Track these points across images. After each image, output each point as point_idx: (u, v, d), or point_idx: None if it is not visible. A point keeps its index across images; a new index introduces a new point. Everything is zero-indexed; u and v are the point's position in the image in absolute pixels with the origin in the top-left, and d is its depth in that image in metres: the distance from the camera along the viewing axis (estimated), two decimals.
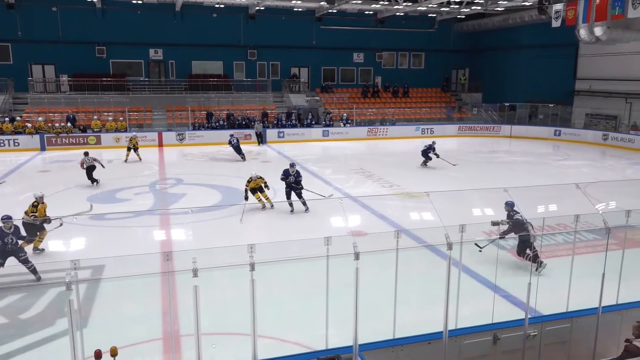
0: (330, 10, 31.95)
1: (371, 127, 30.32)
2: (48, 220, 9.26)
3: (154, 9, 30.11)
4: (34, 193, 10.36)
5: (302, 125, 29.59)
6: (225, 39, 31.71)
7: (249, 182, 13.26)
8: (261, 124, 27.74)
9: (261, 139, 27.06)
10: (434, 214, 6.73)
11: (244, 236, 10.65)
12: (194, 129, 27.35)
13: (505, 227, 8.92)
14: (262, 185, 13.33)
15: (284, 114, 30.19)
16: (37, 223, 9.31)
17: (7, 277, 8.22)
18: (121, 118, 26.93)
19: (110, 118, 26.90)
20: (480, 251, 8.66)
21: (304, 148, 26.39)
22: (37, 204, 9.97)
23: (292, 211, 13.14)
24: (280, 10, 31.71)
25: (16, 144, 24.03)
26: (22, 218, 9.31)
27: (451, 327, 5.99)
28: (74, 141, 25.07)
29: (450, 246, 5.79)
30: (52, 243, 9.20)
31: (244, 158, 21.84)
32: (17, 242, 8.27)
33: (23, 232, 8.70)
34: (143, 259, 8.86)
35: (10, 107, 27.36)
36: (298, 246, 8.23)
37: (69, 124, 25.79)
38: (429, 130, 30.95)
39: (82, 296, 7.24)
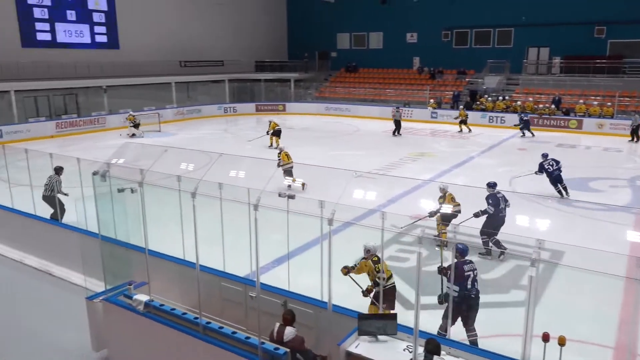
0: None
1: None
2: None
3: None
4: (440, 185, 9.72)
5: None
6: None
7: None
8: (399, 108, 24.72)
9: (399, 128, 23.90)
10: None
11: None
12: None
13: None
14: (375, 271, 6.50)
15: None
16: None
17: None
18: (609, 103, 25.06)
19: (595, 102, 25.54)
20: None
21: None
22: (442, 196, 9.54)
23: None
24: None
25: (502, 122, 26.21)
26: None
27: None
28: (554, 123, 25.23)
29: None
30: (520, 218, 9.73)
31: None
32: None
33: None
34: (607, 256, 8.21)
35: (503, 87, 30.05)
36: None
37: (552, 106, 26.12)
38: None
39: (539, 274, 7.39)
